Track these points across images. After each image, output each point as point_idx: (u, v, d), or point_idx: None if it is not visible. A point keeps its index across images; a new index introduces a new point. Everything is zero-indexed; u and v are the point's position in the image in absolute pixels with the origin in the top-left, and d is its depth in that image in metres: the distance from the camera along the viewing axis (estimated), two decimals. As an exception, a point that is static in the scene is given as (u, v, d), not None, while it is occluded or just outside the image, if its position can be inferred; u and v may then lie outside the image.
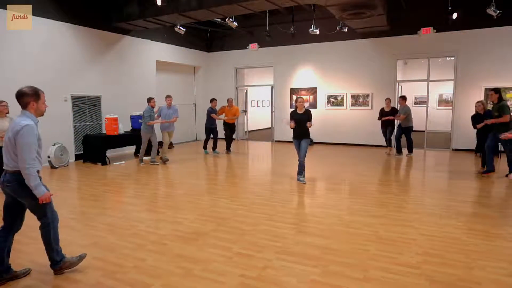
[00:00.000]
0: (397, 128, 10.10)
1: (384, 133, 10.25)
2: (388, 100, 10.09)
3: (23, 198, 3.06)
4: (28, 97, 3.03)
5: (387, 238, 4.03)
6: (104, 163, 9.02)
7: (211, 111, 10.30)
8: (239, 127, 14.81)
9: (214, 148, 10.61)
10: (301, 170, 6.82)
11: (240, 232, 4.29)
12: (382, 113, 10.09)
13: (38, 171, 3.04)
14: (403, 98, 9.98)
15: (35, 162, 2.98)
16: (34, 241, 4.07)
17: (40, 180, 3.04)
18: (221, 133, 10.87)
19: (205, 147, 10.64)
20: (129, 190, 6.65)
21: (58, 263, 3.24)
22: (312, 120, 6.64)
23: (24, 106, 3.05)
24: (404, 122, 9.78)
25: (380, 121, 10.19)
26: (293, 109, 6.85)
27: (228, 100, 10.66)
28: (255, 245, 3.88)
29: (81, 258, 3.37)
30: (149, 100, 8.83)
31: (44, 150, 8.50)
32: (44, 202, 3.01)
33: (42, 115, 3.17)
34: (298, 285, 3.05)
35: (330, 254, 3.63)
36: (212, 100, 10.45)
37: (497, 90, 6.92)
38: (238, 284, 3.07)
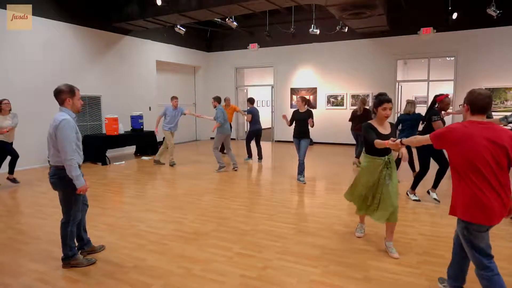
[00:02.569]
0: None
1: (356, 139, 8.73)
2: (363, 100, 8.58)
3: (59, 191, 3.32)
4: (65, 94, 3.24)
5: (387, 238, 4.03)
6: (104, 163, 9.03)
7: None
8: (240, 128, 14.81)
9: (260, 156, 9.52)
10: (301, 170, 6.83)
11: (240, 232, 4.29)
12: (354, 116, 8.58)
13: (79, 165, 3.24)
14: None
15: (76, 154, 3.20)
16: (34, 241, 4.08)
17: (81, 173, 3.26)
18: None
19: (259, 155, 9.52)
20: (129, 190, 6.64)
21: (69, 258, 3.38)
22: (313, 119, 6.62)
23: (61, 102, 3.26)
24: None
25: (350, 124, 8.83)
26: (296, 109, 6.89)
27: (225, 99, 10.06)
28: (255, 245, 3.88)
29: (89, 262, 3.46)
30: (220, 99, 8.18)
31: (44, 150, 8.58)
32: (82, 192, 3.26)
33: (78, 111, 3.39)
34: (298, 285, 3.05)
35: (330, 254, 3.64)
36: (252, 100, 9.55)
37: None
38: (238, 284, 3.07)
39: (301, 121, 6.64)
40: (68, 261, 3.38)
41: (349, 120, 8.78)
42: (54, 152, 3.20)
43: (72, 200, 3.31)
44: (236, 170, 8.16)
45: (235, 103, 13.59)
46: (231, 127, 9.36)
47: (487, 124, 2.43)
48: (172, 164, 8.78)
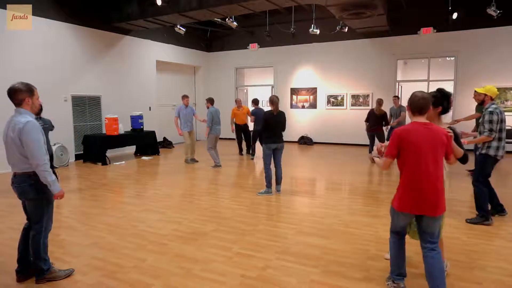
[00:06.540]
0: (389, 131, 9.27)
1: (371, 139, 9.19)
2: (380, 101, 8.97)
3: (29, 200, 3.01)
4: (23, 94, 2.93)
5: (387, 238, 4.00)
6: (104, 163, 9.02)
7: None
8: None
9: (251, 151, 10.13)
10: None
11: (240, 232, 4.29)
12: (370, 116, 9.04)
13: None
14: (398, 97, 9.54)
15: (47, 157, 2.94)
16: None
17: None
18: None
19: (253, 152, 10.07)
20: (129, 190, 6.64)
21: (45, 273, 3.10)
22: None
23: (19, 103, 2.94)
24: (399, 123, 9.01)
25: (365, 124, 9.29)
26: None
27: (236, 101, 10.51)
28: (255, 245, 3.88)
29: (67, 273, 3.21)
30: (213, 101, 8.61)
31: (44, 150, 8.59)
32: (59, 198, 3.04)
33: (37, 111, 3.11)
34: (298, 285, 3.05)
35: (330, 254, 3.63)
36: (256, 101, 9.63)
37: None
38: (238, 284, 3.07)
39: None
40: (43, 276, 3.09)
41: (365, 121, 9.18)
42: (20, 158, 2.88)
43: (44, 209, 3.04)
44: (219, 167, 8.49)
45: (234, 103, 13.55)
46: (243, 127, 10.18)
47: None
48: (188, 161, 9.04)
